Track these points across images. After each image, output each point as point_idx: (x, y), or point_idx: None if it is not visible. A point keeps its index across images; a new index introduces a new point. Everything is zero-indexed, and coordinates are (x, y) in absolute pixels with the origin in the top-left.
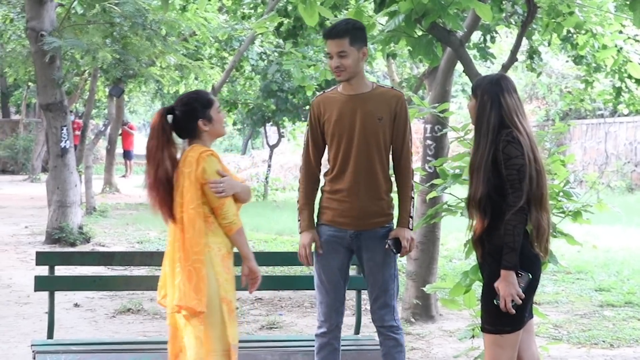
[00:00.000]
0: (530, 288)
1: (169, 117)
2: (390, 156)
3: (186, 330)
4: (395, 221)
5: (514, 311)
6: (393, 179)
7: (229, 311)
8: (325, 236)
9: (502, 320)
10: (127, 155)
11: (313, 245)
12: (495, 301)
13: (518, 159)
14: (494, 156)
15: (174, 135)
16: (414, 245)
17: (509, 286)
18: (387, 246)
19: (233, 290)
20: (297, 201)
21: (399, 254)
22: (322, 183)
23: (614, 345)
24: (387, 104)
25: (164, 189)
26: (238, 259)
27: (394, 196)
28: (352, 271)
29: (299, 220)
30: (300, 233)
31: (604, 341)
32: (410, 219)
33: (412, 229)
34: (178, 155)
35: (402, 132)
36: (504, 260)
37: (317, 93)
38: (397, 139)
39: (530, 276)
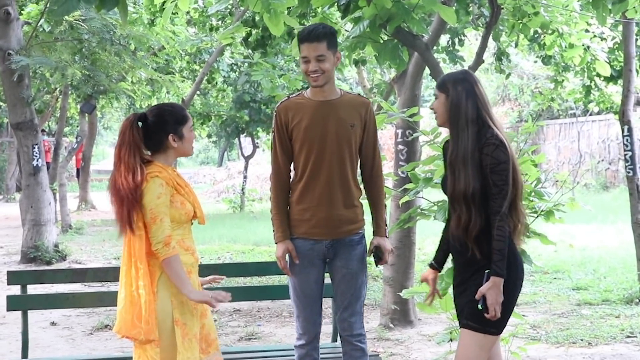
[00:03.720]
0: (518, 287)
1: (140, 124)
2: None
3: (143, 353)
4: (367, 228)
5: (499, 315)
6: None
7: (183, 335)
8: (301, 250)
9: (491, 321)
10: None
11: (288, 255)
12: (479, 306)
13: (506, 164)
14: (479, 155)
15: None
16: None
17: (498, 294)
18: (370, 255)
19: (192, 312)
20: (271, 211)
21: (377, 265)
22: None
23: (592, 344)
24: (357, 111)
25: (129, 200)
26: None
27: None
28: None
29: (274, 231)
30: (276, 244)
31: (582, 340)
32: (386, 227)
33: (387, 237)
34: None
35: (373, 140)
36: (496, 267)
37: (281, 100)
38: (367, 146)
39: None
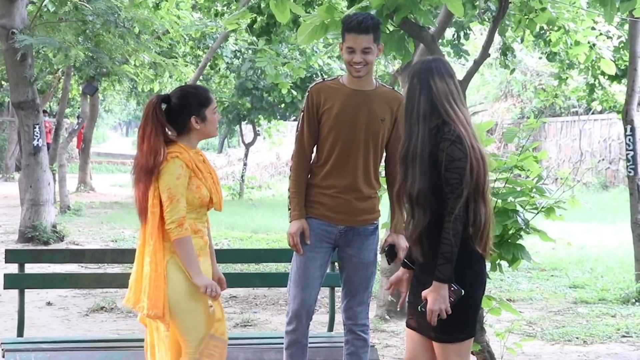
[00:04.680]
0: (478, 289)
1: (163, 106)
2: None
3: (156, 329)
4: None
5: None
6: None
7: (206, 307)
8: (314, 230)
9: (458, 327)
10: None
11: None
12: (420, 308)
13: (461, 162)
14: (433, 151)
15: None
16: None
17: (439, 299)
18: (382, 251)
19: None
20: (289, 189)
21: (390, 263)
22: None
23: (587, 342)
24: (389, 106)
25: (147, 180)
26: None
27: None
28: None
29: (289, 209)
30: (290, 222)
31: (577, 338)
32: (404, 224)
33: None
34: None
35: (401, 136)
36: (438, 272)
37: (315, 81)
38: (395, 142)
39: (463, 292)
